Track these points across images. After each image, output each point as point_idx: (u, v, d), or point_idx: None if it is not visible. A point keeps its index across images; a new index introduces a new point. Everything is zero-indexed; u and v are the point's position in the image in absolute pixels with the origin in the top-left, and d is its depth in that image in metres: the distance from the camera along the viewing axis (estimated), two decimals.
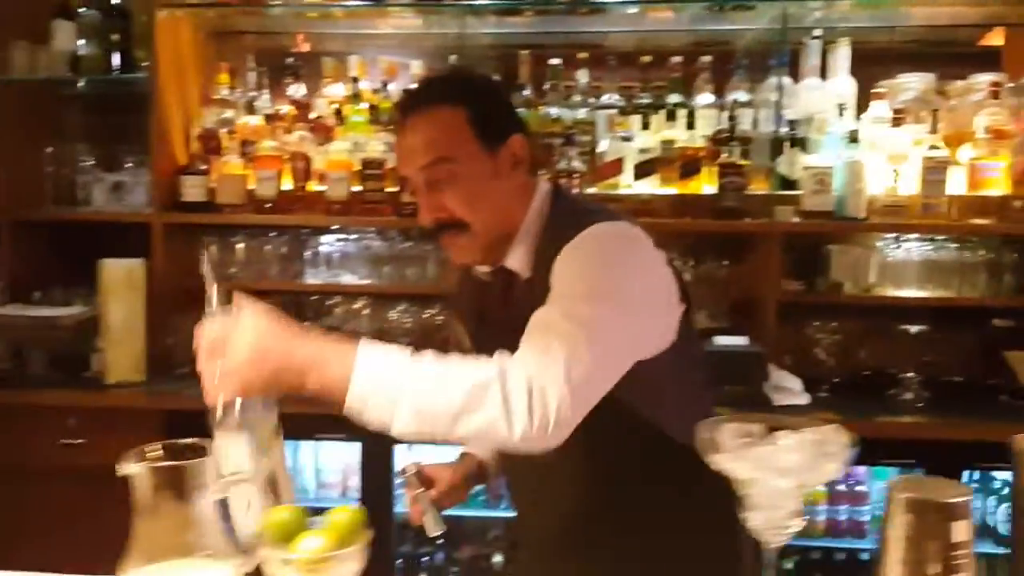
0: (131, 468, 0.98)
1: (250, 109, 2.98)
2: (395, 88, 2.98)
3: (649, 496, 1.36)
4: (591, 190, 2.79)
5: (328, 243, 2.98)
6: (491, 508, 2.74)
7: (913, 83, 2.77)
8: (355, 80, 2.96)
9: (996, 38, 3.06)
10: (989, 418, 2.41)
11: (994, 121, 2.59)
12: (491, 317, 1.46)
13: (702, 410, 1.48)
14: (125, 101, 2.97)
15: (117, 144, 3.00)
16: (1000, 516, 2.51)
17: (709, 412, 1.53)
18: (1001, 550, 2.49)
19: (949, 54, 3.13)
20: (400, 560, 2.77)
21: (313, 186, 2.89)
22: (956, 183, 2.64)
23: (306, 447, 2.86)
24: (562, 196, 1.44)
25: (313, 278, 2.97)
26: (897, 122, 2.63)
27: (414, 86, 1.47)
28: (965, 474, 2.40)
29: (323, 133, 2.94)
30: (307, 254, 2.98)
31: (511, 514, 2.75)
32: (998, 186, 2.59)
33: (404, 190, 2.72)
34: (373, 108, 2.90)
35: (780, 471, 0.86)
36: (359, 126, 2.90)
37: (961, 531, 0.84)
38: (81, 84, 2.95)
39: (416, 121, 1.33)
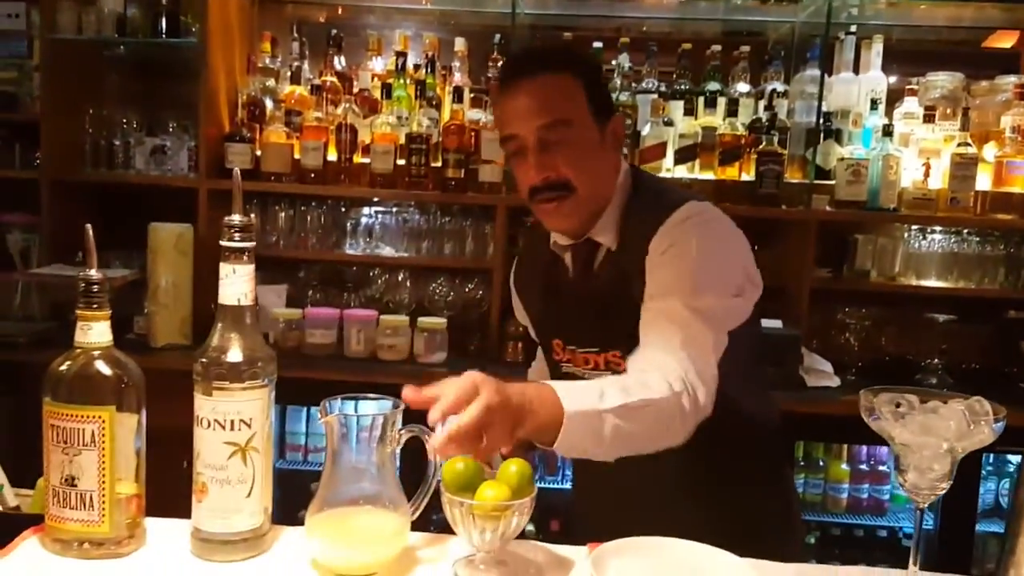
0: (327, 417, 1.06)
1: (295, 79, 3.00)
2: (440, 65, 3.03)
3: (721, 462, 1.40)
4: None
5: (368, 215, 3.02)
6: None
7: (942, 81, 2.88)
8: (401, 55, 3.00)
9: (1008, 40, 3.19)
10: (1006, 404, 2.54)
11: (1020, 121, 2.71)
12: (566, 290, 1.50)
13: (761, 381, 1.59)
14: (170, 65, 2.98)
15: (159, 109, 3.01)
16: None
17: (765, 384, 1.63)
18: None
19: (971, 55, 3.26)
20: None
21: (358, 158, 2.93)
22: (982, 179, 2.76)
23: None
24: (642, 175, 1.51)
25: (352, 249, 3.02)
26: (928, 118, 2.74)
27: (525, 51, 1.48)
28: (984, 456, 2.55)
29: (368, 106, 2.97)
30: (347, 225, 3.02)
31: (544, 486, 2.88)
32: (1022, 184, 2.71)
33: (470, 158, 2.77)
34: (419, 84, 2.94)
35: (940, 436, 0.95)
36: (404, 101, 2.94)
37: None
38: (126, 47, 2.94)
39: (534, 83, 1.36)
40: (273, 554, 1.10)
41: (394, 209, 3.02)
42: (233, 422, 1.03)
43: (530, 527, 2.95)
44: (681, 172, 2.86)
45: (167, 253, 2.68)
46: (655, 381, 1.16)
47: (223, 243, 1.04)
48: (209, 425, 1.03)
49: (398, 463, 1.13)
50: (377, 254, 3.00)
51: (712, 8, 3.13)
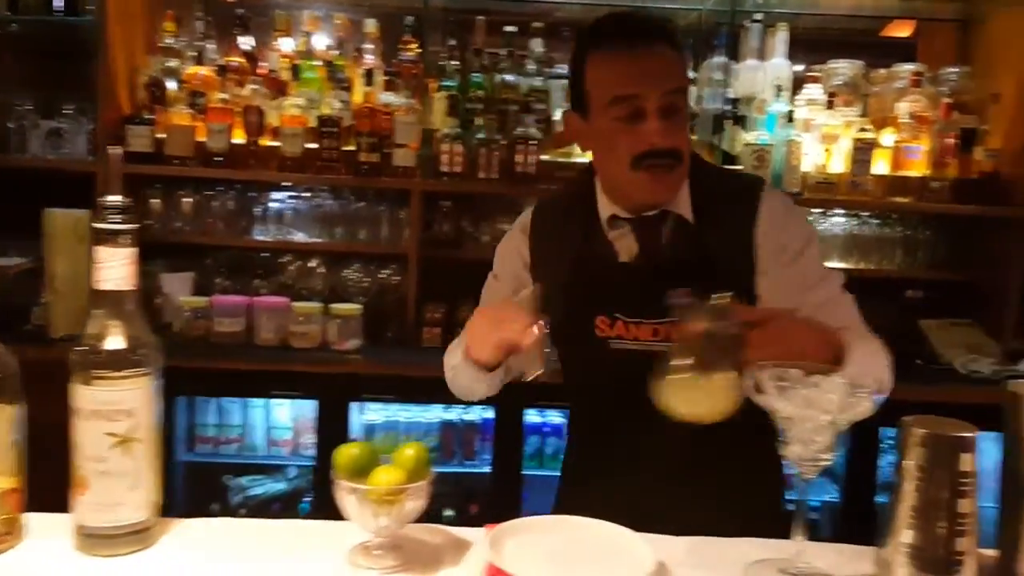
0: None
1: (198, 60, 2.91)
2: (352, 47, 2.97)
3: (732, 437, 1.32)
4: (545, 157, 2.87)
5: (279, 200, 2.96)
6: (442, 465, 2.83)
7: (844, 69, 2.97)
8: (310, 36, 2.93)
9: (906, 30, 3.32)
10: (905, 381, 2.65)
11: (916, 108, 2.82)
12: (622, 264, 1.44)
13: None
14: (66, 44, 2.84)
15: (56, 90, 2.88)
16: None
17: None
18: None
19: (870, 43, 3.37)
20: None
21: (266, 141, 2.86)
22: (881, 164, 2.86)
23: (257, 405, 2.86)
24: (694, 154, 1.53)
25: (262, 235, 2.95)
26: (830, 105, 2.82)
27: (636, 16, 1.39)
28: (882, 430, 2.66)
29: (276, 87, 2.90)
30: (257, 210, 2.95)
31: (462, 470, 2.88)
32: (918, 168, 2.83)
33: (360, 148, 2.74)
34: (330, 65, 2.88)
35: (822, 409, 0.98)
36: (313, 82, 2.88)
37: (968, 462, 0.98)
38: (19, 24, 2.80)
39: (657, 49, 1.33)
40: (161, 548, 1.07)
41: (306, 194, 2.96)
42: (114, 412, 0.99)
43: (449, 511, 2.96)
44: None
45: (64, 240, 2.57)
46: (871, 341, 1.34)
47: (96, 225, 1.00)
48: (88, 416, 0.99)
49: None
50: (289, 240, 2.94)
51: None
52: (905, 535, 1.00)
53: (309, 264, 2.89)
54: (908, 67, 2.95)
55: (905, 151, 2.80)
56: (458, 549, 1.09)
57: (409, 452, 1.05)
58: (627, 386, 1.22)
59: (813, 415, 0.99)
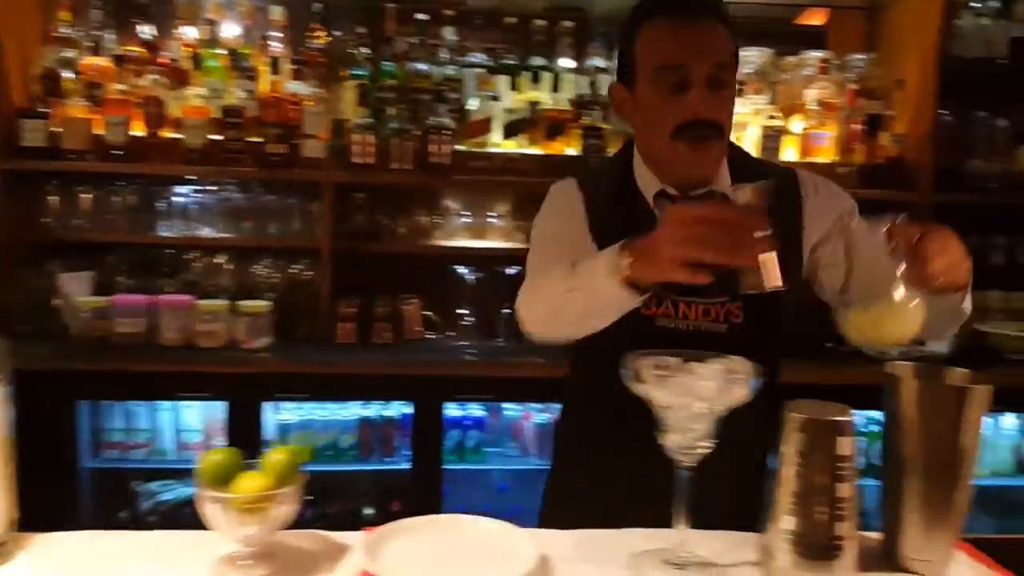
0: None
1: (95, 49, 2.78)
2: (258, 35, 2.88)
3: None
4: (460, 147, 2.83)
5: (184, 195, 2.85)
6: (361, 463, 2.78)
7: (753, 57, 2.99)
8: (212, 23, 2.83)
9: (820, 18, 3.36)
10: (816, 363, 2.70)
11: (823, 95, 2.86)
12: None
13: None
14: None
15: None
16: None
17: None
18: None
19: (783, 32, 3.40)
20: None
21: (167, 133, 2.75)
22: (791, 151, 2.89)
23: (166, 408, 2.76)
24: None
25: (168, 231, 2.84)
26: (739, 93, 2.84)
27: None
28: None
29: (177, 77, 2.79)
30: (160, 206, 2.83)
31: (381, 467, 2.83)
32: (826, 154, 2.87)
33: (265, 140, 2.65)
34: (232, 53, 2.78)
35: (697, 397, 0.97)
36: (216, 71, 2.78)
37: (845, 446, 0.98)
38: None
39: (706, 22, 1.32)
40: (17, 565, 1.00)
41: (212, 187, 2.86)
42: None
43: (370, 510, 2.91)
44: (509, 147, 2.85)
45: None
46: None
47: None
48: None
49: None
50: (195, 235, 2.83)
51: None
52: (786, 521, 1.00)
53: (216, 260, 2.79)
54: (816, 54, 2.98)
55: (813, 138, 2.84)
56: (335, 555, 1.05)
57: (277, 457, 1.00)
58: None
59: (690, 403, 0.97)
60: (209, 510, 0.96)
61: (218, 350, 2.57)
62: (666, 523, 1.08)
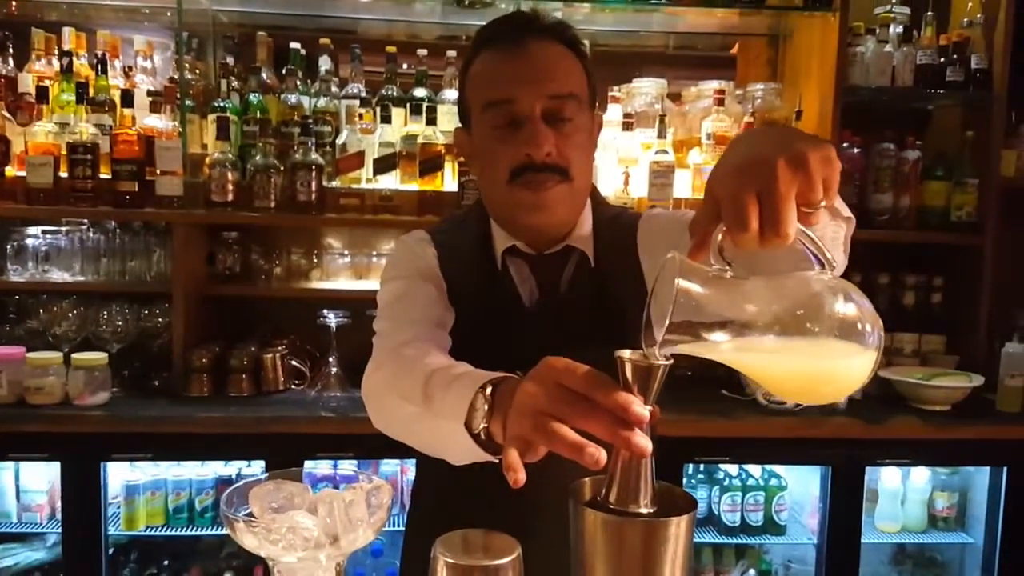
0: None
1: None
2: (115, 66, 2.71)
3: None
4: (334, 184, 2.66)
5: (34, 236, 2.66)
6: (219, 526, 2.56)
7: (647, 88, 2.83)
8: (68, 55, 2.66)
9: (730, 46, 3.22)
10: (711, 414, 2.52)
11: (718, 128, 2.70)
12: (523, 315, 1.24)
13: None
14: None
15: None
16: (724, 506, 2.61)
17: None
18: (724, 540, 2.62)
19: (693, 59, 3.26)
20: None
21: (13, 172, 2.56)
22: (685, 186, 2.72)
23: (6, 469, 2.54)
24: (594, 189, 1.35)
25: (18, 276, 2.65)
26: (627, 126, 2.67)
27: (523, 14, 1.24)
28: (684, 467, 2.50)
29: (28, 112, 2.61)
30: (8, 248, 2.64)
31: None
32: None
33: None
34: (82, 85, 2.60)
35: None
36: (68, 105, 2.61)
37: None
38: None
39: (542, 48, 1.17)
40: None
41: (64, 228, 2.67)
42: None
43: (229, 574, 2.69)
44: (385, 182, 2.67)
45: None
46: None
47: None
48: None
49: None
50: (45, 280, 2.64)
51: (428, 11, 2.95)
52: None
53: (63, 307, 2.59)
54: (712, 84, 2.83)
55: (704, 172, 2.67)
56: None
57: None
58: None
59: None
60: None
61: (51, 407, 2.36)
62: None
